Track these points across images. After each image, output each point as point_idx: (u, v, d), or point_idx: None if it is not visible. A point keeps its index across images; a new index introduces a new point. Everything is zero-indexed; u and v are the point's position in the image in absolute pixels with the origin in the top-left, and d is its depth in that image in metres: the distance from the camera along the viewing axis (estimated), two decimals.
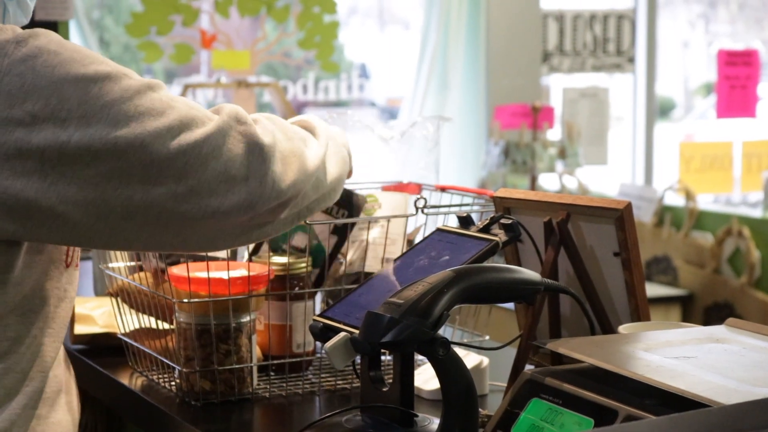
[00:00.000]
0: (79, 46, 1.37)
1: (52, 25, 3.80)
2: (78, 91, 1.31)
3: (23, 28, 1.40)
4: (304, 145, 1.49)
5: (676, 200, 5.40)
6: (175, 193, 1.36)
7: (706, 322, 4.94)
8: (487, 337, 2.01)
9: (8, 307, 1.41)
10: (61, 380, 1.52)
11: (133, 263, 1.95)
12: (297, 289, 1.87)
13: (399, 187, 2.10)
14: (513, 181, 5.23)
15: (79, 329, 2.08)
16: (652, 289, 4.97)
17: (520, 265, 1.74)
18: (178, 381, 1.80)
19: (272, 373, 1.88)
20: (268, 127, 1.45)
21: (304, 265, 1.88)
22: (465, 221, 1.64)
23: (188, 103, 1.39)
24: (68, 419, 1.53)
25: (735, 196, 6.10)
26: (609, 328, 1.61)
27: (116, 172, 1.33)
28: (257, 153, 1.40)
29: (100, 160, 1.32)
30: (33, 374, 1.45)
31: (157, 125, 1.34)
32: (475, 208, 1.95)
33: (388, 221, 1.91)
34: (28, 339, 1.44)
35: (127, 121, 1.32)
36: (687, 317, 5.08)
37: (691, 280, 5.14)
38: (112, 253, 1.94)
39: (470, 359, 1.81)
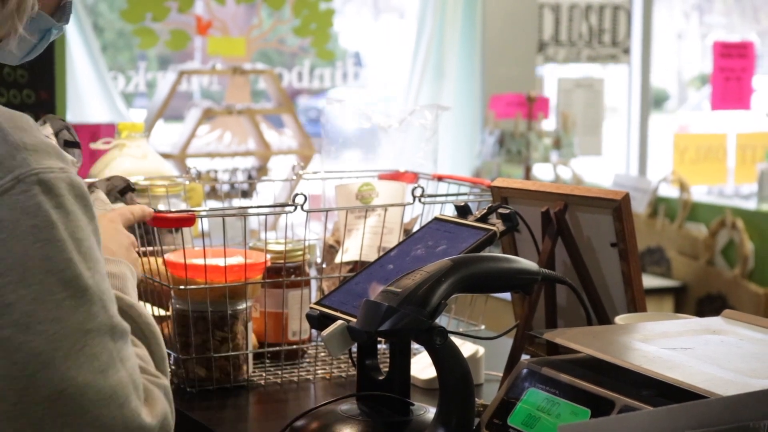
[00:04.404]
0: (82, 221, 1.16)
1: None
2: (40, 288, 1.11)
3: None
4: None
5: (670, 191, 5.41)
6: None
7: (699, 313, 4.95)
8: (483, 327, 2.01)
9: None
10: None
11: None
12: (293, 277, 1.87)
13: (396, 176, 2.10)
14: (507, 170, 5.23)
15: None
16: (645, 280, 4.93)
17: (516, 254, 1.74)
18: (173, 367, 1.80)
19: (268, 361, 1.88)
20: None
21: (300, 253, 1.87)
22: (462, 210, 1.64)
23: (132, 373, 1.17)
24: None
25: (728, 188, 6.10)
26: (605, 319, 1.61)
27: (19, 395, 1.11)
28: None
29: (11, 371, 1.10)
30: None
31: (90, 381, 1.12)
32: (473, 197, 1.95)
33: (385, 210, 1.91)
34: None
35: (64, 357, 1.11)
36: (679, 308, 5.09)
37: (685, 271, 5.15)
38: None
39: (466, 348, 1.81)
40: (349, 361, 1.83)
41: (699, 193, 5.59)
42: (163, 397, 1.22)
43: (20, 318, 1.10)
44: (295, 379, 1.83)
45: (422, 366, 1.78)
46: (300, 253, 1.88)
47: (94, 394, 1.12)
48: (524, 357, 1.61)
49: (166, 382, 1.25)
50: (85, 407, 1.12)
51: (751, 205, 5.24)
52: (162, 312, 1.89)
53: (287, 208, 1.76)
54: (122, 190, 1.78)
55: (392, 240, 1.90)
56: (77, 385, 1.11)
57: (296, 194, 1.73)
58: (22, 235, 1.10)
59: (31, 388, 1.10)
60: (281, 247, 1.86)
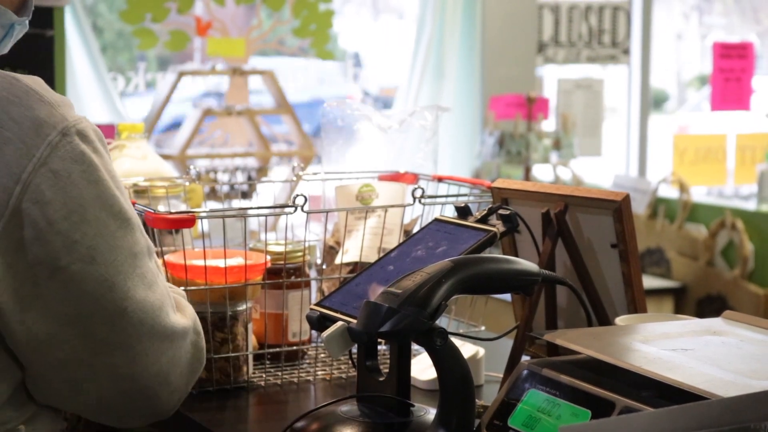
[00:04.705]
0: (109, 160, 1.32)
1: (48, 11, 3.79)
2: (98, 224, 1.27)
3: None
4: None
5: (669, 192, 5.41)
6: (117, 365, 1.32)
7: (699, 314, 4.95)
8: (483, 328, 2.01)
9: None
10: None
11: None
12: (293, 278, 1.87)
13: (396, 177, 2.10)
14: (507, 171, 5.23)
15: None
16: (645, 281, 4.93)
17: (517, 256, 1.74)
18: None
19: (268, 362, 1.88)
20: (199, 330, 1.45)
21: (300, 254, 1.87)
22: (463, 211, 1.64)
23: (166, 285, 1.38)
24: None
25: (727, 189, 6.10)
26: (606, 320, 1.61)
27: (86, 319, 1.28)
28: (197, 367, 1.43)
29: (82, 298, 1.27)
30: None
31: (144, 296, 1.31)
32: (473, 198, 1.95)
33: (386, 211, 1.91)
34: None
35: (125, 279, 1.29)
36: (679, 309, 5.09)
37: (684, 272, 5.15)
38: None
39: (466, 349, 1.81)
40: (349, 362, 1.83)
41: (699, 194, 5.59)
42: (186, 301, 1.44)
43: (86, 252, 1.25)
44: (295, 380, 1.83)
45: (422, 367, 1.78)
46: (300, 254, 1.88)
47: (149, 307, 1.31)
48: (524, 358, 1.61)
49: (180, 290, 1.47)
50: (144, 320, 1.30)
51: (750, 205, 5.24)
52: None
53: (287, 209, 1.75)
54: None
55: (392, 241, 1.90)
56: (137, 302, 1.29)
57: (296, 195, 1.73)
58: (76, 180, 1.25)
59: (100, 310, 1.27)
60: (281, 248, 1.86)
